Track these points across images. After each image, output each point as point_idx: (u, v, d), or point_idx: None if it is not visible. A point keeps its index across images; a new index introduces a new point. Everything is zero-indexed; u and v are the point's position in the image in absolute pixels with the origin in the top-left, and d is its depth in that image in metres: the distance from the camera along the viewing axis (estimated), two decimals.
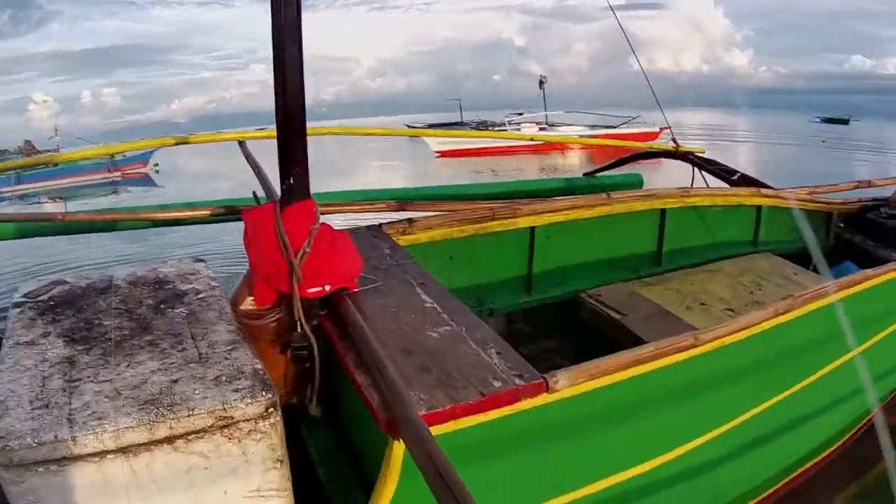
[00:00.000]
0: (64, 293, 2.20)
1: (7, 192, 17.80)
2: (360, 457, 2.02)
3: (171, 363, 1.75)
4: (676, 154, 4.87)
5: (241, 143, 3.54)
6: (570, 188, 5.02)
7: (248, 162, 3.26)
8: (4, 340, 1.90)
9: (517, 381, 1.67)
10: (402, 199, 3.01)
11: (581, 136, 17.84)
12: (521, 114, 30.50)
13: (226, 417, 1.59)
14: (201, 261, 2.43)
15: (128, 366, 1.73)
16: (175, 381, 1.67)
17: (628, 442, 2.05)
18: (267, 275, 2.00)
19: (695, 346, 2.02)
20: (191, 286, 2.21)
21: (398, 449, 1.52)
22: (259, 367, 1.75)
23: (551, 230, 3.24)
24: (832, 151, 27.52)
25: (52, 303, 2.13)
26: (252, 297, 2.12)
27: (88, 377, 1.68)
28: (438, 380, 1.66)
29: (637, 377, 1.90)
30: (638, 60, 4.50)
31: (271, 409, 1.63)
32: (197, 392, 1.62)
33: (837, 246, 4.37)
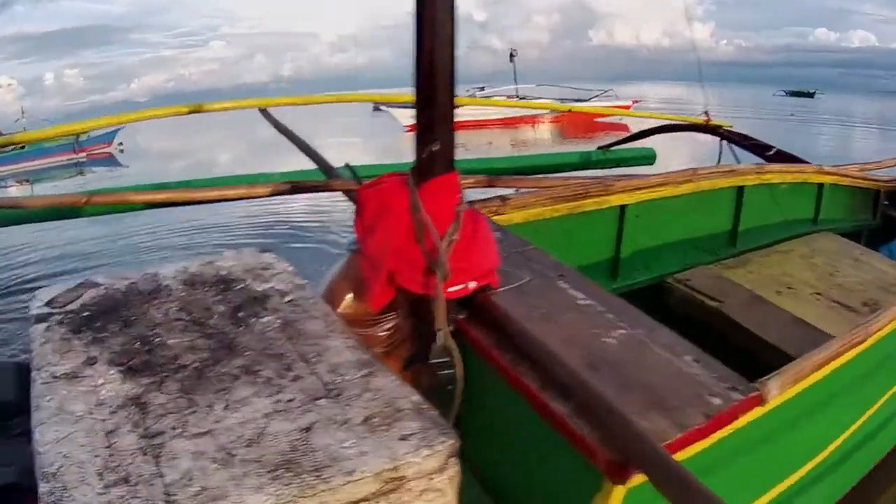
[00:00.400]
0: (99, 299, 1.66)
1: None
2: (514, 493, 1.61)
3: (289, 401, 1.25)
4: (707, 128, 4.67)
5: (264, 111, 3.12)
6: (585, 162, 4.93)
7: (280, 130, 2.81)
8: (34, 372, 1.36)
9: (733, 395, 1.40)
10: (490, 174, 2.56)
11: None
12: (482, 88, 29.91)
13: (395, 479, 1.11)
14: (268, 251, 1.91)
15: (226, 407, 1.22)
16: (308, 430, 1.17)
17: (813, 434, 1.98)
18: (394, 270, 1.51)
19: (867, 337, 1.96)
20: (269, 285, 1.68)
21: (617, 494, 1.24)
22: (418, 398, 1.28)
23: (641, 209, 2.95)
24: (803, 125, 27.53)
25: (87, 313, 1.59)
26: (357, 298, 1.63)
27: (174, 428, 1.17)
28: (648, 400, 1.36)
29: (826, 375, 1.79)
30: (692, 34, 4.18)
31: (452, 459, 1.18)
32: (347, 445, 1.13)
33: (884, 224, 4.33)
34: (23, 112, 23.24)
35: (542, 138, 23.59)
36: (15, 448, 1.47)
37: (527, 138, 23.41)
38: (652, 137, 5.12)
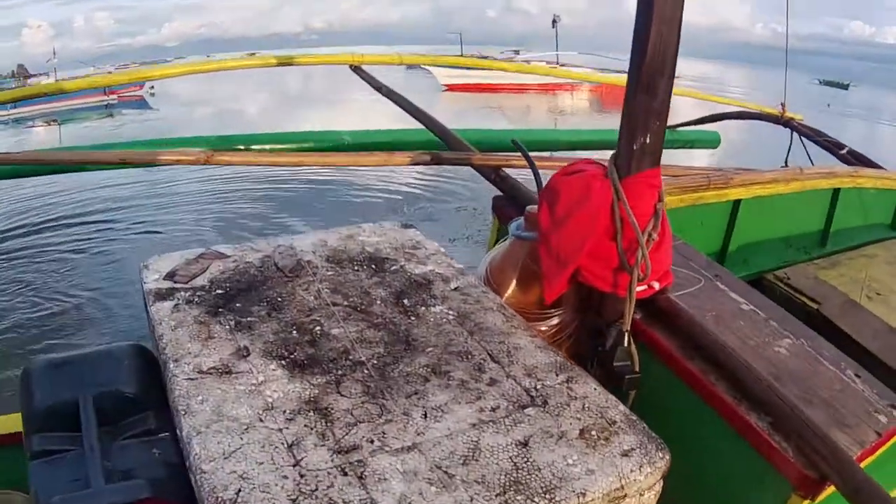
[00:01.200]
0: (231, 274, 1.51)
1: (3, 115, 16.76)
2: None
3: (493, 409, 1.11)
4: (780, 120, 4.47)
5: (357, 68, 2.92)
6: None
7: (381, 92, 2.62)
8: (171, 364, 1.18)
9: (894, 412, 1.41)
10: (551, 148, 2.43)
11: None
12: (517, 52, 29.53)
13: (618, 498, 1.02)
14: (411, 226, 1.76)
15: (425, 416, 1.08)
16: (524, 444, 1.04)
17: None
18: (582, 265, 1.40)
19: None
20: (427, 268, 1.53)
21: None
22: (624, 408, 1.16)
23: (752, 204, 2.95)
24: (841, 119, 26.65)
25: (220, 291, 1.44)
26: (521, 288, 1.49)
27: (371, 441, 1.03)
28: (830, 416, 1.36)
29: None
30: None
31: (665, 475, 1.09)
32: (572, 462, 1.02)
33: None
34: (54, 53, 23.20)
35: (580, 106, 23.54)
36: (138, 452, 1.20)
37: (564, 105, 23.54)
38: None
